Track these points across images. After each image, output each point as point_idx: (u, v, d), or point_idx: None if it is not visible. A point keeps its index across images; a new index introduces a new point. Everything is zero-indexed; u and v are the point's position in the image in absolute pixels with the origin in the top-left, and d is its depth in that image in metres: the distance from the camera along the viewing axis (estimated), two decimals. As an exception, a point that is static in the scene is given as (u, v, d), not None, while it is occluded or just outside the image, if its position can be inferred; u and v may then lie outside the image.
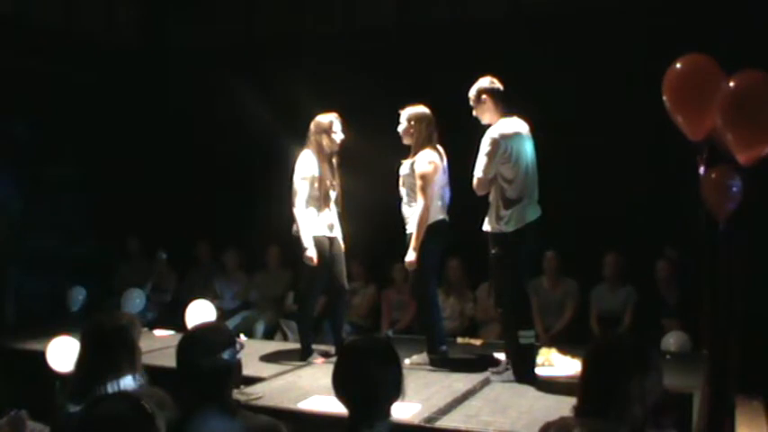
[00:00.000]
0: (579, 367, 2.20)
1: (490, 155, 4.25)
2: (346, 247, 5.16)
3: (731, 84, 3.96)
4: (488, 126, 4.38)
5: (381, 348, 2.34)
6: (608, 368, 2.09)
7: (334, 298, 5.15)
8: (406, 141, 4.77)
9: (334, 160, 5.04)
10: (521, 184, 4.30)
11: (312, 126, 4.95)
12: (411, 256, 4.62)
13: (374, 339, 2.58)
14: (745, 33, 5.37)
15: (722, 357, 4.28)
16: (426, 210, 4.59)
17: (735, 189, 4.35)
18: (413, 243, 4.62)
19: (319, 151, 4.91)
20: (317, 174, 4.86)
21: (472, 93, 4.44)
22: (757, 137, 3.97)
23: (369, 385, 2.24)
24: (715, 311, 4.38)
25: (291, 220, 4.90)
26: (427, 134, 4.71)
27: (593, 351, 2.19)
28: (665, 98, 4.18)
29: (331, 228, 5.00)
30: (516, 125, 4.37)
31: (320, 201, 4.89)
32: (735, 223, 4.36)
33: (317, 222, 4.90)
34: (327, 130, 4.91)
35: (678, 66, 4.17)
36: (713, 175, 4.41)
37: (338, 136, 4.94)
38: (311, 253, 4.80)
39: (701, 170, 4.38)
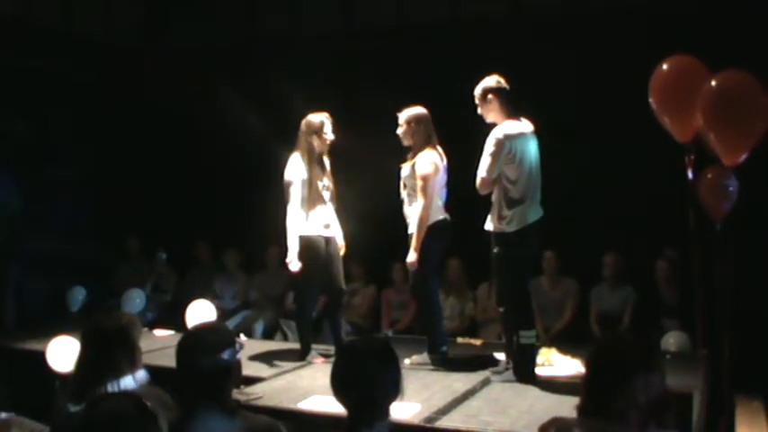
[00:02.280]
0: (579, 367, 2.21)
1: (494, 155, 4.25)
2: (346, 248, 5.16)
3: (713, 83, 3.96)
4: (492, 125, 4.38)
5: (379, 348, 2.34)
6: (611, 367, 2.09)
7: (331, 298, 5.15)
8: (407, 143, 4.77)
9: (325, 160, 5.03)
10: (524, 184, 4.29)
11: (303, 126, 4.93)
12: (412, 256, 4.62)
13: (372, 339, 2.58)
14: (742, 33, 5.38)
15: (718, 357, 4.29)
16: (426, 210, 4.59)
17: (731, 189, 4.35)
18: (413, 243, 4.62)
19: (309, 152, 4.89)
20: (306, 176, 4.85)
21: (478, 91, 4.43)
22: (740, 137, 3.98)
23: (367, 385, 2.24)
24: (711, 311, 4.39)
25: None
26: (426, 134, 4.72)
27: (597, 350, 2.19)
28: (651, 100, 4.17)
29: (327, 227, 4.99)
30: (521, 126, 4.37)
31: (314, 201, 4.88)
32: (732, 223, 4.37)
33: (311, 222, 4.89)
34: (318, 131, 4.90)
35: (664, 67, 4.17)
36: (709, 176, 4.41)
37: (329, 136, 4.93)
38: (293, 262, 4.81)
39: (689, 173, 4.38)
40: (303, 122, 4.94)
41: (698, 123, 4.05)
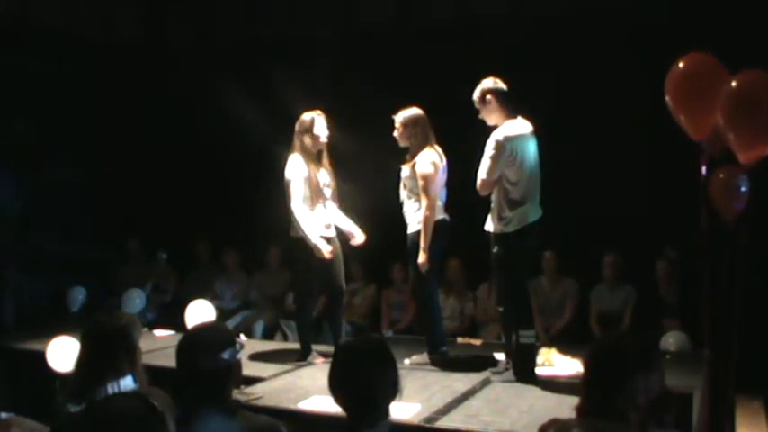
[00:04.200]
0: (579, 367, 2.20)
1: (495, 158, 4.25)
2: (345, 248, 5.16)
3: (733, 83, 3.96)
4: (493, 127, 4.38)
5: (375, 348, 2.34)
6: (610, 368, 2.09)
7: (332, 298, 5.14)
8: (403, 145, 4.77)
9: (324, 158, 5.03)
10: (524, 186, 4.30)
11: (296, 126, 4.93)
12: (422, 257, 4.60)
13: (368, 339, 2.57)
14: (750, 31, 5.37)
15: (722, 357, 4.28)
16: (431, 209, 4.58)
17: (743, 189, 4.34)
18: (422, 244, 4.60)
19: (304, 150, 4.89)
20: (305, 174, 4.84)
21: (476, 95, 4.42)
22: (759, 137, 3.97)
23: (365, 386, 2.24)
24: (715, 311, 4.38)
25: (289, 222, 4.90)
26: (424, 135, 4.72)
27: (596, 351, 2.19)
28: (667, 98, 4.17)
29: (328, 227, 4.98)
30: (521, 126, 4.37)
31: (313, 200, 4.88)
32: (742, 222, 4.36)
33: (315, 222, 4.88)
34: (309, 129, 4.89)
35: (681, 65, 4.16)
36: (721, 175, 4.40)
37: (322, 132, 4.92)
38: (322, 248, 4.76)
39: (703, 170, 4.38)
40: (297, 122, 4.94)
41: (715, 122, 4.04)
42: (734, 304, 4.20)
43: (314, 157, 4.94)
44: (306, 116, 4.92)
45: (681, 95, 4.14)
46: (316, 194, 4.88)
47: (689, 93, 4.13)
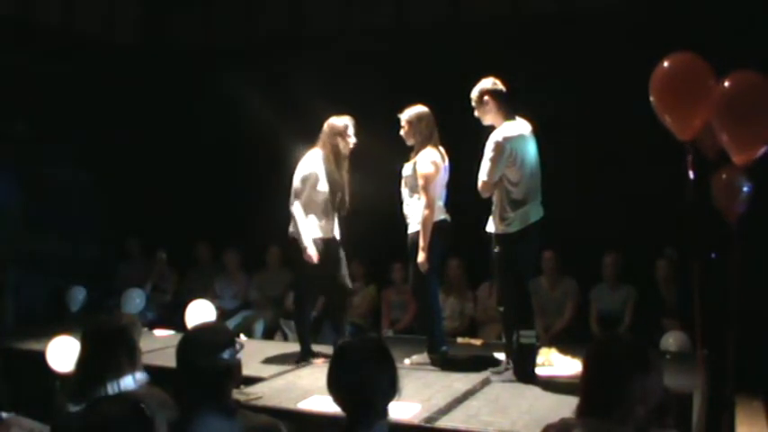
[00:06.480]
0: (579, 367, 2.20)
1: (495, 159, 4.25)
2: (347, 248, 5.16)
3: (727, 84, 3.96)
4: (490, 127, 4.38)
5: (373, 348, 2.34)
6: (608, 369, 2.09)
7: (335, 299, 5.10)
8: (410, 143, 4.77)
9: (345, 164, 4.97)
10: (525, 186, 4.30)
11: (326, 128, 4.91)
12: (421, 256, 4.60)
13: (366, 340, 2.57)
14: (740, 32, 5.39)
15: (722, 356, 4.28)
16: (430, 209, 4.58)
17: (746, 190, 4.34)
18: (421, 243, 4.59)
19: (335, 153, 4.88)
20: (319, 174, 4.84)
21: (474, 94, 4.43)
22: (754, 137, 3.97)
23: (364, 386, 2.24)
24: (711, 310, 4.38)
25: (288, 221, 4.90)
26: (428, 133, 4.71)
27: (594, 351, 2.19)
28: (652, 99, 4.16)
29: (331, 229, 4.97)
30: (520, 127, 4.37)
31: (324, 202, 4.87)
32: (739, 222, 4.36)
33: (315, 223, 4.88)
34: (342, 133, 4.88)
35: (665, 65, 4.15)
36: (724, 176, 4.40)
37: (352, 139, 4.93)
38: (311, 252, 4.77)
39: (691, 174, 4.38)
40: (326, 124, 4.92)
41: (702, 122, 4.03)
42: (730, 304, 4.20)
43: (340, 162, 4.91)
44: (338, 120, 4.90)
45: (666, 95, 4.12)
46: (330, 198, 4.86)
47: (674, 92, 4.11)
